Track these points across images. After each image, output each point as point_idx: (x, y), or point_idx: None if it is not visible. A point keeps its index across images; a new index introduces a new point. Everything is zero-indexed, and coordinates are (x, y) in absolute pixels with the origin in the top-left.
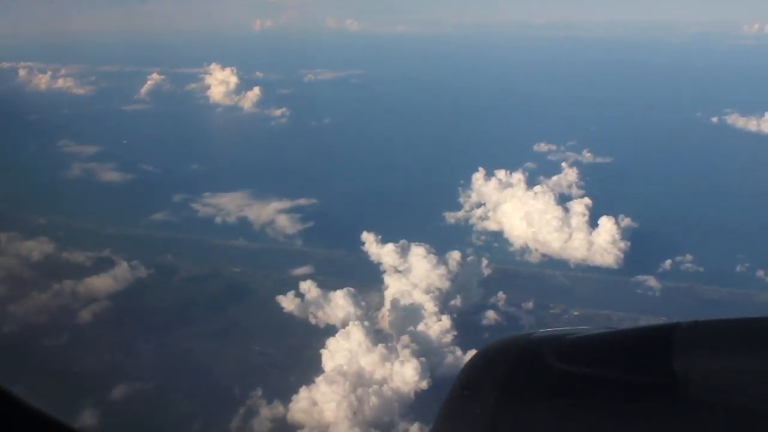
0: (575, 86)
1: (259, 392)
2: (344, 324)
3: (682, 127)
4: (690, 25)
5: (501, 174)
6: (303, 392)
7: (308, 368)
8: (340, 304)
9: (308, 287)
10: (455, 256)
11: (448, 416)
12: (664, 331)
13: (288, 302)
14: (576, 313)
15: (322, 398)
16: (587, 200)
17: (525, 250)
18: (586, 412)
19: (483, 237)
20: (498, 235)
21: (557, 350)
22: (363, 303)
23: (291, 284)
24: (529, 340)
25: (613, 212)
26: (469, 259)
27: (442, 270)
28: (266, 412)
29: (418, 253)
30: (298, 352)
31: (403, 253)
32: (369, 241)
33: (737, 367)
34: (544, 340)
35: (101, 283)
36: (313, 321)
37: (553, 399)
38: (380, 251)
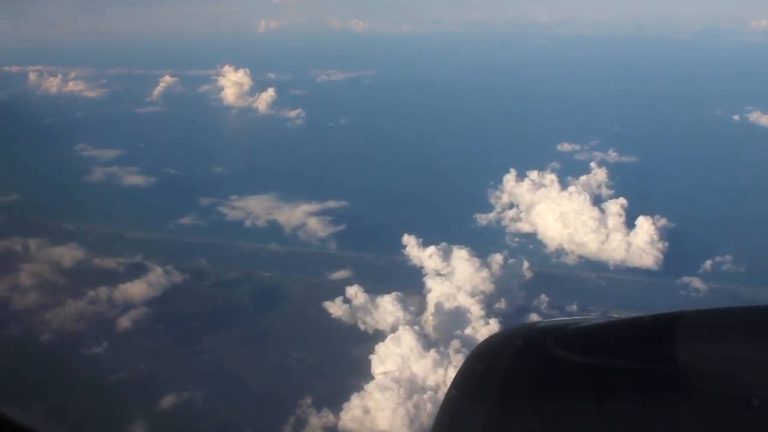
0: (589, 84)
1: (308, 400)
2: (393, 329)
3: (705, 125)
4: (694, 21)
5: (533, 175)
6: (354, 400)
7: (357, 375)
8: (388, 309)
9: (355, 292)
10: (497, 258)
11: (452, 406)
12: (668, 320)
13: (335, 308)
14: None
15: (375, 406)
16: (623, 200)
17: (561, 251)
18: (590, 402)
19: (517, 239)
20: (532, 237)
21: (561, 340)
22: (411, 308)
23: (332, 289)
24: (532, 331)
25: (645, 212)
26: (510, 261)
27: (485, 273)
28: (316, 420)
29: (460, 256)
30: (344, 358)
31: (445, 256)
32: (410, 244)
33: (741, 355)
34: (547, 330)
35: (136, 289)
36: (362, 327)
37: (556, 389)
38: (421, 254)
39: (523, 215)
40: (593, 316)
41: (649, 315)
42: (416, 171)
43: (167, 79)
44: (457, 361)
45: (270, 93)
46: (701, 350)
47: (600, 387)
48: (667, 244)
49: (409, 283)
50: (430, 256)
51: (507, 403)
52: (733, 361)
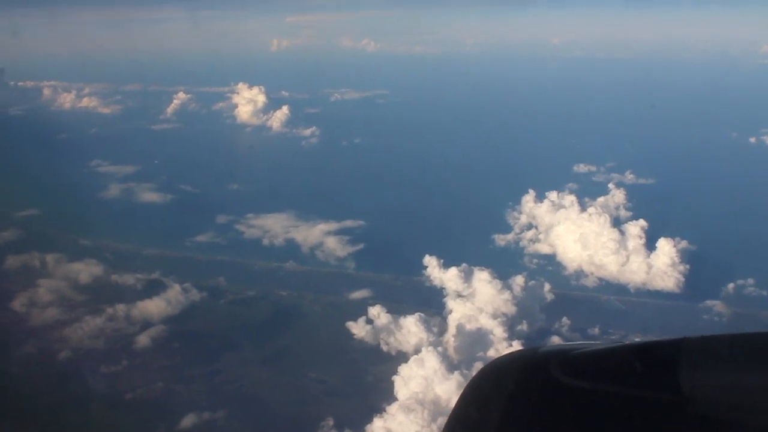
0: (603, 106)
1: (330, 422)
2: (416, 350)
3: (721, 147)
4: (706, 44)
5: (552, 195)
6: (377, 422)
7: (380, 396)
8: (411, 330)
9: (377, 312)
10: (519, 280)
11: (454, 430)
12: (671, 346)
13: (357, 328)
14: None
15: (398, 428)
16: (643, 222)
17: (580, 273)
18: (592, 427)
19: (536, 260)
20: (551, 258)
21: (564, 365)
22: (434, 329)
23: (351, 308)
24: (535, 355)
25: (664, 234)
26: (531, 283)
27: (507, 295)
28: None
29: (482, 277)
30: (367, 379)
31: (466, 277)
32: (432, 264)
33: (744, 382)
34: (550, 355)
35: (155, 306)
36: (384, 347)
37: (559, 414)
38: (441, 275)
39: (541, 236)
40: (597, 341)
41: (652, 341)
42: (432, 191)
43: (181, 95)
44: None
45: (284, 111)
46: (705, 377)
47: (603, 412)
48: (688, 266)
49: (428, 304)
50: (451, 277)
51: (510, 427)
52: (736, 389)
